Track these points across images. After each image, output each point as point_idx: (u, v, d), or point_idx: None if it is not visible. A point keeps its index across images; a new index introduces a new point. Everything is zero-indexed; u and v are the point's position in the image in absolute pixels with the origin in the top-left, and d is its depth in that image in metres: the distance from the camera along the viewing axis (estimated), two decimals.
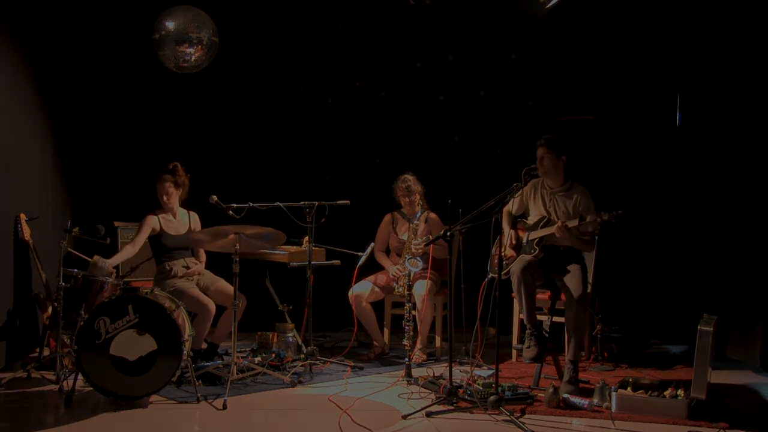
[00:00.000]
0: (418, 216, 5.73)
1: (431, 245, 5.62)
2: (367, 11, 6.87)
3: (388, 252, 5.94)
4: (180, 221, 5.46)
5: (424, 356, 5.57)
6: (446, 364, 5.29)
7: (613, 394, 4.11)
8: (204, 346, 5.32)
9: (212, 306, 5.12)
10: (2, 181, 5.22)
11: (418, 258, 5.59)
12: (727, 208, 5.80)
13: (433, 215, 5.86)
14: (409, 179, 5.78)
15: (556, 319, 5.60)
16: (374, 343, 5.79)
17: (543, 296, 5.37)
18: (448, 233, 4.50)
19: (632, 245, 6.34)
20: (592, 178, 5.39)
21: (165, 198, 5.35)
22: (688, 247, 6.04)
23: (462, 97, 6.98)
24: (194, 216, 5.55)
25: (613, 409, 4.16)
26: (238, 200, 5.34)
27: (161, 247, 5.36)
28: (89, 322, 4.32)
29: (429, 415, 4.22)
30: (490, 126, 6.96)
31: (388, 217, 5.95)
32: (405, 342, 5.10)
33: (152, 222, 5.34)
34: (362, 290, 5.68)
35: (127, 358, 4.33)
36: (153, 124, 6.83)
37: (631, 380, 4.35)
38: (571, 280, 4.74)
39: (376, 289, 5.73)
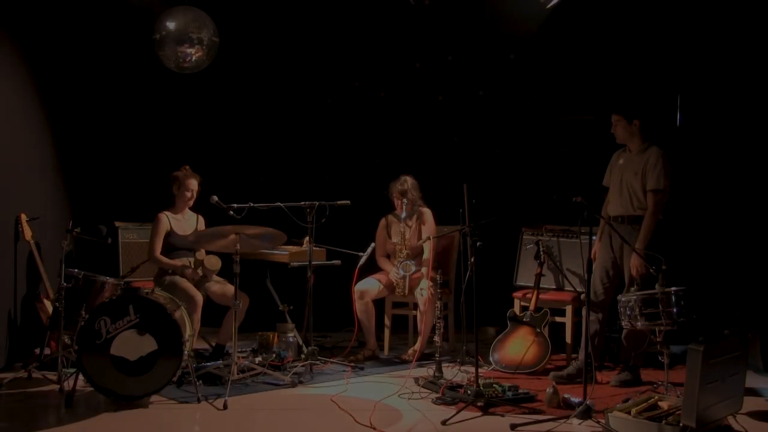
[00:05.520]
0: (403, 216, 5.75)
1: (432, 243, 5.64)
2: (366, 11, 6.87)
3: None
4: (188, 222, 5.50)
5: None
6: (447, 365, 5.32)
7: (608, 415, 4.08)
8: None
9: (199, 298, 5.15)
10: (2, 181, 5.22)
11: (410, 261, 5.62)
12: (726, 208, 5.81)
13: (425, 210, 5.86)
14: (408, 182, 5.78)
15: (558, 319, 5.62)
16: (367, 344, 5.78)
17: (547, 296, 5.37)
18: (479, 244, 4.62)
19: None
20: (592, 179, 5.39)
21: (189, 194, 5.44)
22: (687, 246, 6.03)
23: (461, 98, 6.99)
24: (201, 219, 5.60)
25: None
26: (238, 200, 5.35)
27: (167, 246, 5.39)
28: (90, 322, 4.32)
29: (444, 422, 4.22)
30: (489, 126, 6.97)
31: (382, 222, 5.96)
32: (435, 338, 5.11)
33: (165, 221, 5.40)
34: (370, 287, 5.69)
35: (127, 358, 4.33)
36: (153, 124, 6.83)
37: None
38: None
39: (382, 287, 5.74)
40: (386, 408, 4.44)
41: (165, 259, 5.35)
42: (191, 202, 5.52)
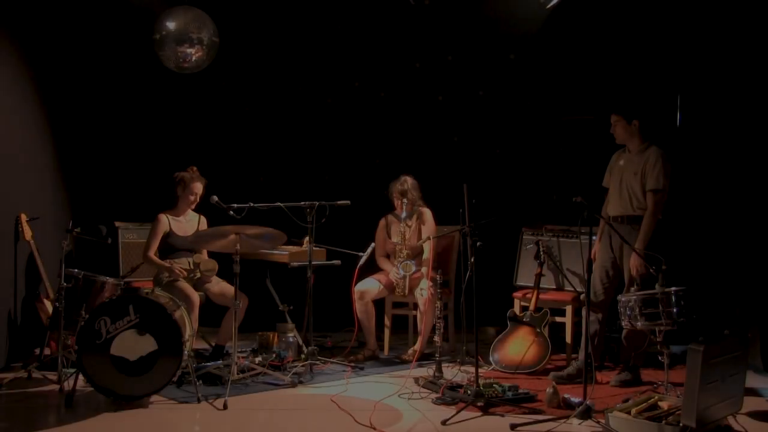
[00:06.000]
0: (403, 216, 5.75)
1: (432, 243, 5.64)
2: (366, 11, 6.87)
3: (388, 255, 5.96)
4: (189, 223, 5.50)
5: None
6: (447, 365, 5.32)
7: (608, 415, 4.08)
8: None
9: (196, 297, 5.15)
10: (3, 181, 5.22)
11: (410, 261, 5.61)
12: (726, 208, 5.81)
13: (425, 210, 5.86)
14: (408, 182, 5.78)
15: (558, 319, 5.62)
16: (367, 344, 5.78)
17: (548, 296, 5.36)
18: (479, 244, 4.64)
19: None
20: (592, 179, 5.40)
21: (193, 198, 5.44)
22: (687, 246, 6.04)
23: (461, 98, 6.99)
24: (203, 219, 5.59)
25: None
26: (238, 200, 5.35)
27: (167, 247, 5.39)
28: (90, 322, 4.32)
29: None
30: (489, 126, 6.97)
31: (382, 222, 5.96)
32: (435, 338, 5.12)
33: (164, 222, 5.39)
34: (369, 287, 5.69)
35: (127, 358, 4.33)
36: (153, 124, 6.83)
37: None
38: None
39: (382, 287, 5.74)
40: (386, 408, 4.44)
41: (156, 260, 5.34)
42: (194, 206, 5.51)
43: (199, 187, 5.44)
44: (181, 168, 5.49)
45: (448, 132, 7.04)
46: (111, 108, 6.65)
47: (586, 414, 4.11)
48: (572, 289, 5.60)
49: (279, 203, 5.38)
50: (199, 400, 4.44)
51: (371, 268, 5.85)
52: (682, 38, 6.22)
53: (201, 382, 4.74)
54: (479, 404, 4.32)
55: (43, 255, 5.43)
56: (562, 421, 4.11)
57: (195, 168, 5.48)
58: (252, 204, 5.34)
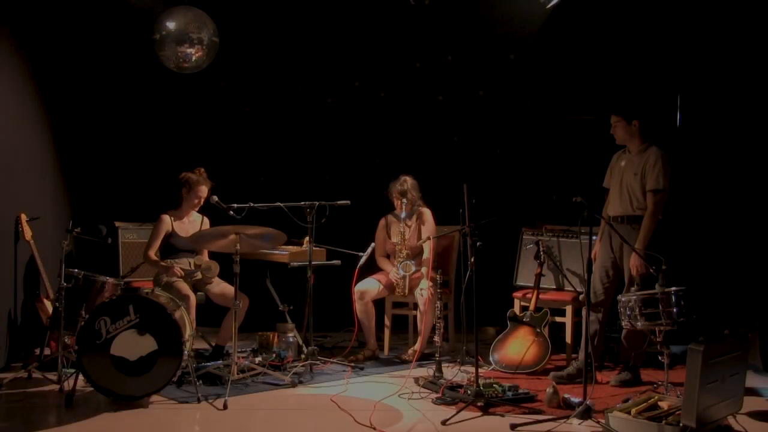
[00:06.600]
0: (403, 216, 5.75)
1: (432, 243, 5.64)
2: (366, 11, 6.88)
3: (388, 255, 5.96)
4: (192, 224, 5.49)
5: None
6: (447, 365, 5.33)
7: (608, 415, 4.08)
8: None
9: (193, 298, 5.15)
10: (3, 181, 5.22)
11: (410, 261, 5.61)
12: (726, 208, 5.81)
13: (425, 210, 5.86)
14: (407, 182, 5.78)
15: (558, 319, 5.62)
16: (367, 344, 5.78)
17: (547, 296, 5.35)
18: (479, 244, 4.64)
19: None
20: (592, 179, 5.40)
21: (197, 201, 5.42)
22: (687, 246, 6.04)
23: (461, 98, 6.99)
24: (206, 220, 5.57)
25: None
26: (238, 200, 5.35)
27: (169, 247, 5.39)
28: (90, 322, 4.32)
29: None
30: (489, 126, 6.97)
31: (381, 222, 5.96)
32: (435, 338, 5.12)
33: (166, 222, 5.38)
34: (369, 287, 5.69)
35: (127, 358, 4.33)
36: (153, 124, 6.83)
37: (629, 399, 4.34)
38: None
39: (381, 287, 5.74)
40: (386, 408, 4.45)
41: (155, 260, 5.34)
42: (197, 208, 5.50)
43: (204, 191, 5.41)
44: (182, 168, 5.48)
45: (448, 132, 7.04)
46: (111, 108, 6.65)
47: (586, 414, 4.11)
48: (572, 289, 5.60)
49: (279, 203, 5.39)
50: (199, 400, 4.44)
51: (371, 268, 5.86)
52: (681, 38, 6.22)
53: (201, 382, 4.73)
54: (479, 404, 4.32)
55: (43, 255, 5.43)
56: (562, 421, 4.11)
57: (203, 170, 5.45)
58: (252, 204, 5.35)
